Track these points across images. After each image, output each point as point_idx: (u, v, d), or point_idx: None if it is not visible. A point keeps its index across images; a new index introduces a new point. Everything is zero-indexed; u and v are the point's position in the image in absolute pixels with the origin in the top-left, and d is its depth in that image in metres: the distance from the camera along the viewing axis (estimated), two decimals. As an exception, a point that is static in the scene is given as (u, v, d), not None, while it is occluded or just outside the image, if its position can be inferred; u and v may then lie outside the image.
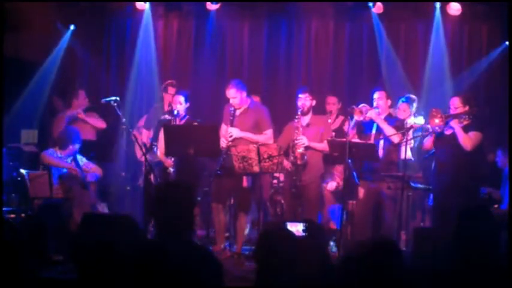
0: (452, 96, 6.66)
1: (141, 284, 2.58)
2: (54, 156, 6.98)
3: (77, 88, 8.29)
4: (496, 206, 7.11)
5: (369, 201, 6.64)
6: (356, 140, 6.61)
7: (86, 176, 7.03)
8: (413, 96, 7.68)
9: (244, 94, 6.66)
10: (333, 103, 8.00)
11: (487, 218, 3.13)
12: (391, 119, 6.73)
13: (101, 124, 8.03)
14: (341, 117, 7.92)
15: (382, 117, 6.70)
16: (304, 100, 6.73)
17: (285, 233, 3.15)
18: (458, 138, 6.24)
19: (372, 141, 6.65)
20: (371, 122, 6.69)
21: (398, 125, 6.66)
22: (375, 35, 8.76)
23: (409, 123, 6.83)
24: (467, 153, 6.25)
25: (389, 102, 6.83)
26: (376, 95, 6.73)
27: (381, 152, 6.62)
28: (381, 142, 6.66)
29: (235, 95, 6.57)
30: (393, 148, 6.62)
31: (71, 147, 6.98)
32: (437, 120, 6.28)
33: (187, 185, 3.00)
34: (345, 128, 7.63)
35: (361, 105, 6.64)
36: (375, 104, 6.69)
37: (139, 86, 8.94)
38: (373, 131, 6.72)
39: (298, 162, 6.60)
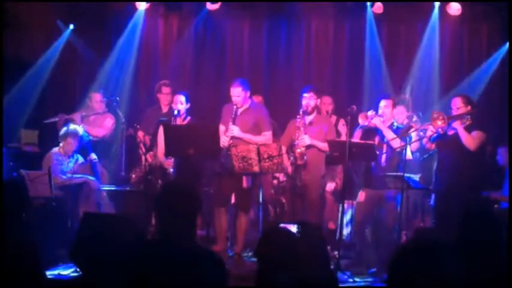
0: (453, 97, 6.65)
1: (141, 285, 2.58)
2: (55, 162, 7.01)
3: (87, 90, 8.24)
4: (496, 206, 7.10)
5: (370, 205, 6.60)
6: (356, 140, 6.59)
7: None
8: (407, 96, 7.69)
9: (248, 94, 6.70)
10: (328, 103, 8.01)
11: (491, 219, 3.12)
12: (396, 129, 6.65)
13: (98, 132, 7.76)
14: (334, 117, 7.91)
15: (386, 125, 6.63)
16: (309, 99, 6.72)
17: (286, 232, 3.16)
18: (462, 138, 6.21)
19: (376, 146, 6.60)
20: (376, 128, 6.63)
21: (403, 132, 6.59)
22: (373, 35, 8.77)
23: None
24: (470, 154, 6.23)
25: (394, 110, 6.77)
26: (382, 103, 6.65)
27: (383, 158, 6.58)
28: (384, 147, 6.59)
29: (239, 94, 6.58)
30: (396, 156, 6.55)
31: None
32: (439, 122, 6.25)
33: (193, 186, 3.03)
34: (340, 128, 7.63)
35: (369, 112, 6.60)
36: (380, 111, 6.61)
37: (138, 86, 8.96)
38: (377, 137, 6.66)
39: (298, 162, 6.60)
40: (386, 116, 6.63)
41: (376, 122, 6.55)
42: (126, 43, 8.88)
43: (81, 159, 7.23)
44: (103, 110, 7.88)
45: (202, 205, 2.95)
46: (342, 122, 7.70)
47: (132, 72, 8.89)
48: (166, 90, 7.81)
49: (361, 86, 8.74)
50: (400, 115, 7.25)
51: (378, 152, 6.50)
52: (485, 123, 6.62)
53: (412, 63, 8.66)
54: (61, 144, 7.13)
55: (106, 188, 7.25)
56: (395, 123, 6.73)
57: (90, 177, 7.13)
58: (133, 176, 7.62)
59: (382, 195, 6.52)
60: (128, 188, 7.44)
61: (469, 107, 6.36)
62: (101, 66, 8.76)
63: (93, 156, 7.26)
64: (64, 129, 7.16)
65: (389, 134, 6.53)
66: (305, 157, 6.60)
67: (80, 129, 7.19)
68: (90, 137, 7.52)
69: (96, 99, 7.90)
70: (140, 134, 7.72)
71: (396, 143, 6.46)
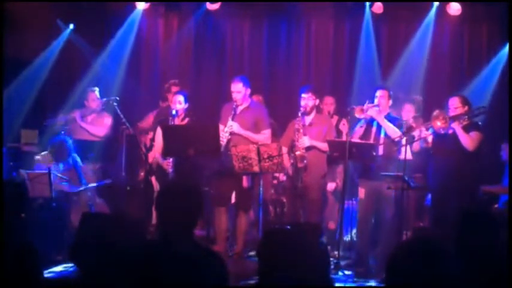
0: (451, 96, 6.64)
1: (142, 284, 2.58)
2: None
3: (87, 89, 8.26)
4: (495, 205, 7.10)
5: (370, 200, 6.60)
6: (356, 139, 6.57)
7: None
8: (418, 97, 7.70)
9: (248, 92, 6.71)
10: (330, 103, 8.01)
11: (489, 219, 3.12)
12: (390, 119, 6.65)
13: (99, 132, 7.78)
14: (336, 117, 7.91)
15: (382, 115, 6.62)
16: (307, 100, 6.70)
17: (287, 232, 3.16)
18: (460, 138, 6.21)
19: (372, 137, 6.56)
20: (371, 120, 6.60)
21: (399, 125, 6.58)
22: (369, 36, 8.78)
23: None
24: (468, 154, 6.23)
25: (390, 102, 6.73)
26: (378, 93, 6.58)
27: (381, 148, 6.54)
28: (381, 138, 6.57)
29: (240, 90, 6.59)
30: (394, 145, 6.55)
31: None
32: (439, 123, 6.24)
33: (194, 186, 3.04)
34: (341, 127, 7.62)
35: (366, 104, 6.54)
36: (376, 101, 6.52)
37: (137, 85, 8.96)
38: (374, 128, 6.63)
39: (299, 165, 6.58)
40: (382, 106, 6.53)
41: (372, 113, 6.48)
42: (122, 41, 8.88)
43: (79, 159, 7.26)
44: (99, 108, 7.87)
45: (203, 204, 2.95)
46: (343, 121, 7.68)
47: (129, 72, 8.88)
48: (175, 89, 7.81)
49: (360, 86, 8.74)
50: (407, 113, 7.22)
51: (374, 150, 6.47)
52: (488, 121, 6.62)
53: (405, 62, 8.67)
54: (44, 153, 7.23)
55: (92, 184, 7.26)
56: (391, 114, 6.67)
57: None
58: (142, 174, 7.64)
59: (380, 189, 6.49)
60: (129, 187, 7.46)
61: (466, 108, 6.36)
62: (97, 64, 8.77)
63: (76, 158, 7.30)
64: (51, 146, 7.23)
65: (388, 128, 6.45)
66: (305, 161, 6.57)
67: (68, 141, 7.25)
68: (91, 137, 7.61)
69: (92, 97, 7.88)
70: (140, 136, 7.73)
71: (395, 135, 6.41)
